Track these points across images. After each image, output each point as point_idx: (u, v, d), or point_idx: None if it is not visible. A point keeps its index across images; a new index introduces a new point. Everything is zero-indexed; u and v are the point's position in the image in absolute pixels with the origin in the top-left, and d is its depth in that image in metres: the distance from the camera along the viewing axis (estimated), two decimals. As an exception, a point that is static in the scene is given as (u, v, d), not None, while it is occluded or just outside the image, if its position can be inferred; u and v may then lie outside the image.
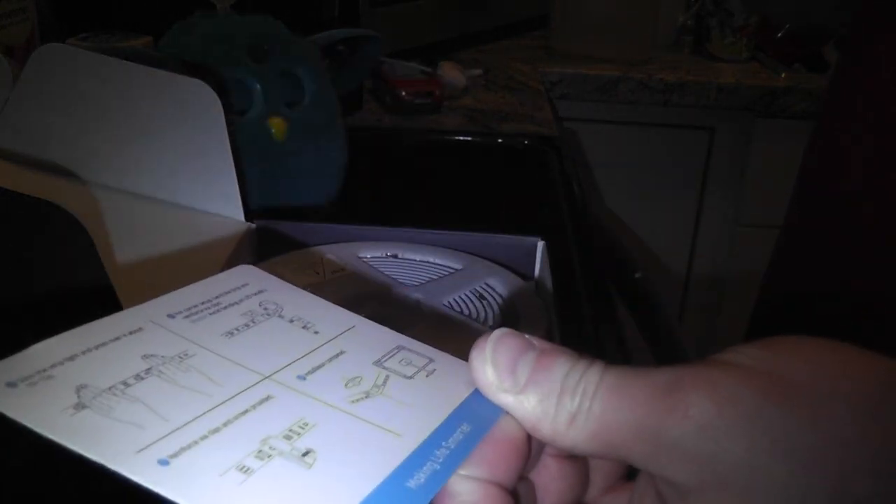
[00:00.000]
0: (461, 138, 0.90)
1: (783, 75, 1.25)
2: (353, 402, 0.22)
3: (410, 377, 0.24)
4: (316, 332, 0.25)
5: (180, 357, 0.22)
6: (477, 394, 0.24)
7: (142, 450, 0.19)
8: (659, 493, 0.21)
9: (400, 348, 0.26)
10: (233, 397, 0.21)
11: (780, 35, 1.35)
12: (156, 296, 0.34)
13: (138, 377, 0.21)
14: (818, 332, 0.60)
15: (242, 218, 0.42)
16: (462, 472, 0.21)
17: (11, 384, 0.20)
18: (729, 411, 0.19)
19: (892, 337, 0.51)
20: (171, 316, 0.24)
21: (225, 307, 0.25)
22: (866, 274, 0.53)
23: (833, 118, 0.59)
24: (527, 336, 0.23)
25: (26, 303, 0.31)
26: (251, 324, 0.24)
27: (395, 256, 0.42)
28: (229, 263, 0.39)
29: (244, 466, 0.19)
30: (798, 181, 0.63)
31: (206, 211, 0.42)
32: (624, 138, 1.29)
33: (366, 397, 0.22)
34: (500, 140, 0.91)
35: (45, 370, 0.20)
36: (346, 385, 0.23)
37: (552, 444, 0.22)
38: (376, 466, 0.19)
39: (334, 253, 0.41)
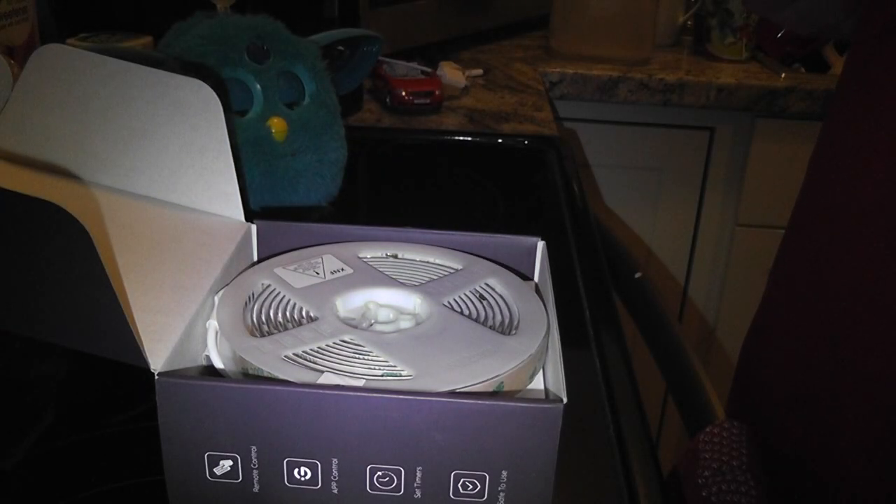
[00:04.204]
0: (461, 138, 0.90)
1: (783, 75, 1.25)
2: None
3: None
4: None
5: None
6: None
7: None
8: None
9: None
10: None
11: (780, 35, 1.35)
12: (155, 296, 0.34)
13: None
14: (822, 334, 0.61)
15: (242, 218, 0.42)
16: None
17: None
18: None
19: None
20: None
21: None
22: (871, 276, 0.53)
23: (842, 125, 0.59)
24: None
25: (26, 303, 0.31)
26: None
27: (395, 256, 0.42)
28: (229, 263, 0.39)
29: None
30: (805, 183, 0.63)
31: (206, 211, 0.42)
32: (624, 138, 1.29)
33: None
34: (500, 140, 0.91)
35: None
36: None
37: None
38: None
39: (334, 253, 0.41)
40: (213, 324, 0.35)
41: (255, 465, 0.31)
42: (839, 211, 0.57)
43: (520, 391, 0.34)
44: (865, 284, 0.53)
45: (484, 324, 0.36)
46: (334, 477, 0.31)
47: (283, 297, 0.37)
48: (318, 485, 0.31)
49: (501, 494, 0.31)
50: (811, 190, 0.62)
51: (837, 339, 0.55)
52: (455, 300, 0.38)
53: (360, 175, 0.80)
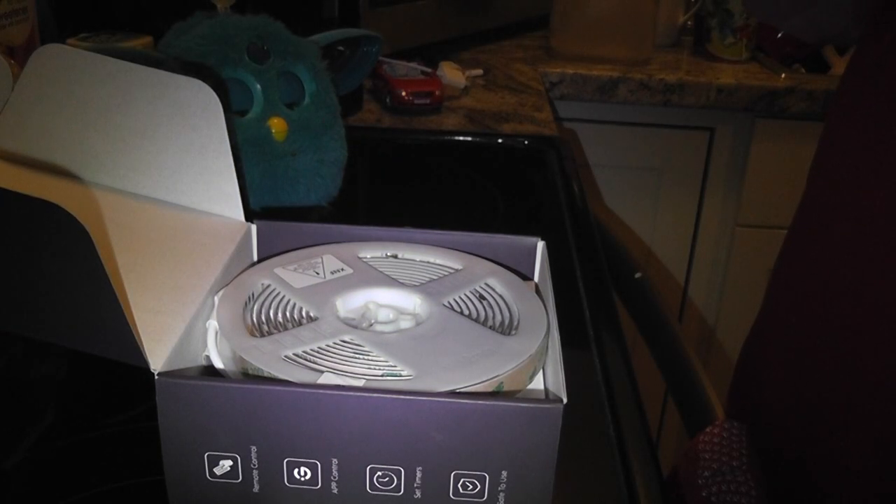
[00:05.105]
0: (461, 138, 0.90)
1: (783, 75, 1.25)
2: None
3: None
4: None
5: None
6: None
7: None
8: None
9: None
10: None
11: (780, 35, 1.35)
12: (155, 296, 0.34)
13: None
14: (823, 336, 0.60)
15: (242, 218, 0.42)
16: None
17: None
18: None
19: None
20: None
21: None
22: (875, 278, 0.53)
23: (846, 127, 0.58)
24: None
25: (26, 303, 0.31)
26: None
27: (395, 256, 0.42)
28: (229, 263, 0.39)
29: None
30: (807, 186, 0.63)
31: (206, 211, 0.42)
32: (624, 138, 1.29)
33: None
34: (500, 140, 0.91)
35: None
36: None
37: None
38: None
39: (334, 253, 0.41)
40: (213, 324, 0.35)
41: (255, 465, 0.31)
42: (843, 213, 0.57)
43: (520, 391, 0.34)
44: (868, 286, 0.53)
45: (484, 324, 0.36)
46: (334, 477, 0.31)
47: (283, 297, 0.37)
48: (318, 485, 0.31)
49: (501, 494, 0.31)
50: (814, 192, 0.62)
51: (839, 341, 0.55)
52: (455, 300, 0.38)
53: (360, 175, 0.80)
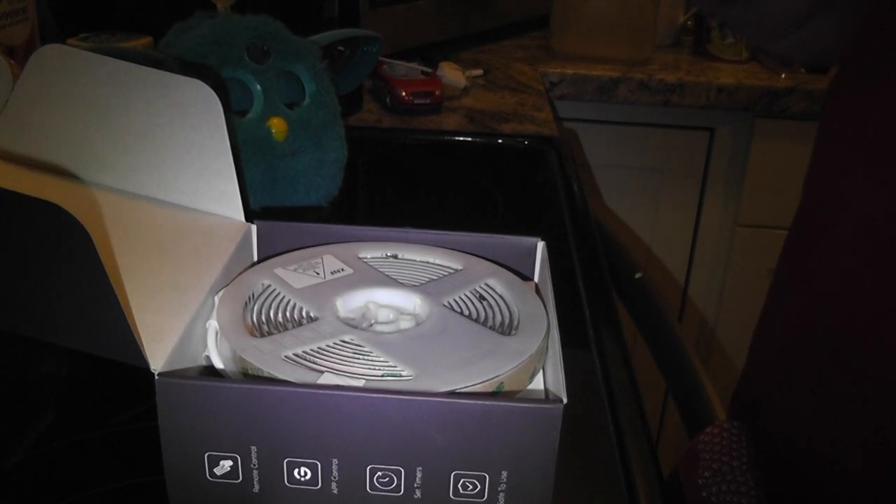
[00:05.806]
0: (461, 138, 0.90)
1: (783, 75, 1.25)
2: None
3: None
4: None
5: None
6: None
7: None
8: None
9: None
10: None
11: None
12: (155, 296, 0.34)
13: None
14: (824, 336, 0.60)
15: (242, 218, 0.42)
16: None
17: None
18: None
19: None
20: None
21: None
22: (878, 277, 0.53)
23: (845, 125, 0.58)
24: None
25: (26, 303, 0.31)
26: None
27: (395, 256, 0.42)
28: (229, 263, 0.39)
29: None
30: (805, 186, 0.63)
31: (206, 211, 0.42)
32: (624, 138, 1.29)
33: None
34: (500, 140, 0.91)
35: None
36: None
37: None
38: None
39: (334, 253, 0.41)
40: (213, 324, 0.35)
41: (255, 465, 0.31)
42: (843, 214, 0.57)
43: (520, 391, 0.34)
44: (869, 287, 0.53)
45: (484, 324, 0.36)
46: (334, 477, 0.31)
47: (283, 297, 0.37)
48: (318, 485, 0.31)
49: (501, 495, 0.31)
50: (811, 193, 0.62)
51: (840, 341, 0.55)
52: (455, 300, 0.38)
53: (360, 175, 0.80)
